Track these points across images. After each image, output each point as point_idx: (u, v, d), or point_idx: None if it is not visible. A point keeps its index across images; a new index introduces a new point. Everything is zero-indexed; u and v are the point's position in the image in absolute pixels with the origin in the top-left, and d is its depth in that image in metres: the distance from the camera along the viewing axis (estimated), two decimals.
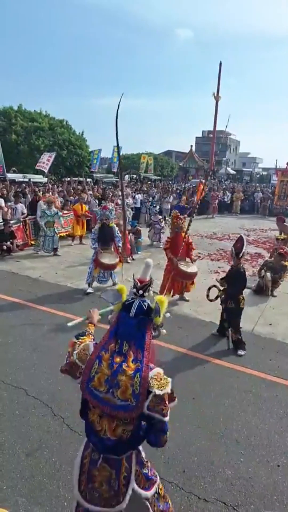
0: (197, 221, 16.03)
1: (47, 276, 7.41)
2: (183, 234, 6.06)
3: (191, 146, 41.70)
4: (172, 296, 6.17)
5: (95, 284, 6.56)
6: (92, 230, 6.69)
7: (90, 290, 6.45)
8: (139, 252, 9.66)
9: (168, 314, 1.90)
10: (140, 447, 1.85)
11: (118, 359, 1.67)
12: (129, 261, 8.52)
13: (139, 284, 1.83)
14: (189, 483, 2.65)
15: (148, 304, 1.79)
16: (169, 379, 1.73)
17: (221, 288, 4.80)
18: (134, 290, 1.82)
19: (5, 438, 2.99)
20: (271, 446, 3.05)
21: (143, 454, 1.88)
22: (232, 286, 4.66)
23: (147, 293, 1.83)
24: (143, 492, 1.79)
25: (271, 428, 3.26)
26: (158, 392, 1.63)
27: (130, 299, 1.81)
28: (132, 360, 1.68)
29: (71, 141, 25.78)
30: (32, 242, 9.86)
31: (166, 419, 1.66)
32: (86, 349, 1.82)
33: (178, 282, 6.10)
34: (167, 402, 1.67)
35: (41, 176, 17.92)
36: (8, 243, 8.89)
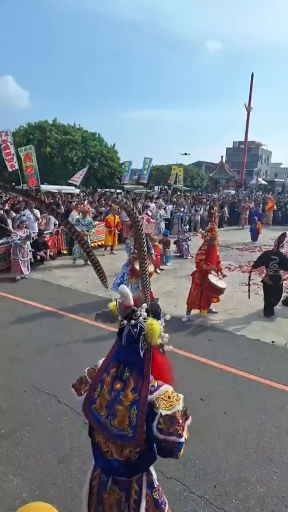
0: (227, 232, 15.90)
1: (78, 285, 7.59)
2: (217, 247, 5.97)
3: (222, 157, 41.51)
4: (206, 311, 6.00)
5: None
6: (126, 241, 6.77)
7: (117, 288, 6.49)
8: (167, 264, 9.66)
9: (166, 336, 1.72)
10: (152, 470, 1.77)
11: (118, 386, 1.60)
12: (158, 271, 8.55)
13: (122, 310, 1.64)
14: (221, 499, 2.59)
15: (139, 329, 1.61)
16: (181, 396, 1.62)
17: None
18: (124, 316, 1.64)
19: (38, 444, 3.07)
20: None
21: (155, 477, 1.80)
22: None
23: (136, 317, 1.62)
24: None
25: None
26: (164, 412, 1.52)
27: (122, 323, 1.65)
28: (131, 389, 1.58)
29: (102, 153, 26.47)
30: (64, 252, 10.18)
31: (182, 440, 1.53)
32: (96, 365, 1.77)
33: (207, 296, 5.95)
34: (180, 421, 1.54)
35: (73, 188, 18.49)
36: (42, 252, 9.23)
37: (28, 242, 8.32)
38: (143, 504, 1.65)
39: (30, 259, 8.63)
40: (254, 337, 5.29)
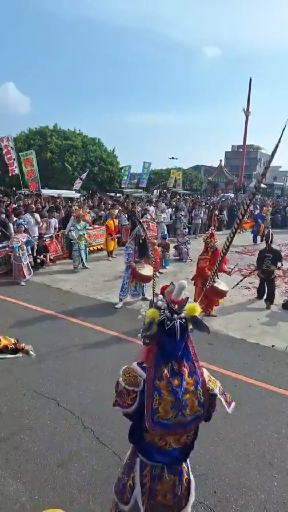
0: (225, 235, 15.86)
1: (78, 288, 7.59)
2: (220, 251, 5.96)
3: (220, 160, 41.69)
4: (208, 313, 6.05)
5: (126, 298, 6.64)
6: (126, 244, 6.77)
7: (120, 305, 6.51)
8: (167, 267, 9.66)
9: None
10: None
11: (176, 382, 1.64)
12: (157, 275, 8.54)
13: (175, 306, 1.68)
14: (221, 505, 2.58)
15: (185, 319, 1.70)
16: (213, 378, 1.83)
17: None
18: (169, 313, 1.68)
19: (37, 448, 3.06)
20: None
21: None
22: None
23: (180, 311, 1.70)
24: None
25: None
26: (216, 391, 1.75)
27: (167, 321, 1.66)
28: (188, 374, 1.68)
29: (102, 158, 26.59)
30: (65, 256, 10.20)
31: (233, 404, 1.88)
32: (131, 371, 1.73)
33: (209, 299, 5.96)
34: (225, 392, 1.85)
35: (73, 192, 18.55)
36: (42, 256, 9.24)
37: (29, 247, 8.35)
38: (193, 479, 1.88)
39: (30, 262, 8.65)
40: (254, 341, 5.28)
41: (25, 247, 8.12)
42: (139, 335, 1.70)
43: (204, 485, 2.73)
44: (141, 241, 6.55)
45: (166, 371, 1.65)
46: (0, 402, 3.66)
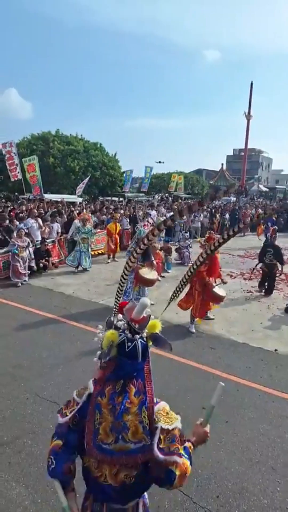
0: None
1: (80, 292, 7.61)
2: (218, 255, 5.97)
3: (222, 164, 41.80)
4: (203, 318, 6.02)
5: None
6: (128, 248, 6.78)
7: None
8: (169, 271, 9.69)
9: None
10: (145, 495, 1.64)
11: (119, 399, 1.45)
12: (159, 279, 8.56)
13: (136, 325, 1.53)
14: (223, 509, 2.57)
15: (145, 338, 1.55)
16: (178, 416, 1.53)
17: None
18: (129, 334, 1.51)
19: (40, 452, 3.07)
20: None
21: (147, 503, 1.66)
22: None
23: (142, 329, 1.55)
24: None
25: None
26: (165, 426, 1.45)
27: (128, 342, 1.49)
28: (134, 393, 1.47)
29: (104, 163, 26.72)
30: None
31: (181, 460, 1.43)
32: (85, 387, 1.57)
33: (202, 304, 5.91)
34: (180, 439, 1.48)
35: (75, 196, 18.65)
36: (44, 260, 9.28)
37: (30, 249, 8.46)
38: None
39: (32, 266, 8.71)
40: (256, 345, 5.28)
41: (26, 251, 8.30)
42: (95, 359, 1.54)
43: (207, 489, 2.73)
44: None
45: (110, 386, 1.48)
46: (3, 406, 3.67)
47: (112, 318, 1.60)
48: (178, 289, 1.90)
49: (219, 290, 5.79)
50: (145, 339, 1.53)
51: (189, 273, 1.89)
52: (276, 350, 5.13)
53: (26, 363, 4.56)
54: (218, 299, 5.79)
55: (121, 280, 1.85)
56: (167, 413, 1.51)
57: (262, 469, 2.95)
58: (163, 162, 34.62)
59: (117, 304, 1.77)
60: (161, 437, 1.44)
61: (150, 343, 1.56)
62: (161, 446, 1.43)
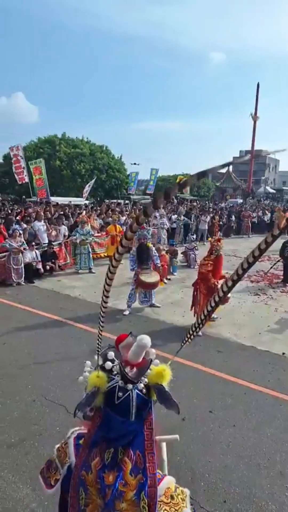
0: (233, 241, 15.84)
1: (86, 295, 7.64)
2: (223, 256, 5.96)
3: (228, 166, 41.67)
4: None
5: (135, 304, 6.65)
6: (130, 251, 6.80)
7: (128, 311, 6.53)
8: (174, 273, 9.67)
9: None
10: None
11: (110, 478, 1.12)
12: (165, 281, 8.55)
13: (132, 370, 1.18)
14: None
15: (144, 388, 1.20)
16: (186, 492, 1.24)
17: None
18: (121, 381, 1.17)
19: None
20: None
21: None
22: None
23: (142, 377, 1.20)
24: None
25: None
26: None
27: (119, 392, 1.15)
28: (131, 471, 1.12)
29: (110, 165, 26.88)
30: (73, 263, 10.33)
31: None
32: (66, 443, 1.30)
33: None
34: None
35: (81, 199, 18.76)
36: (50, 262, 9.34)
37: (37, 251, 8.55)
38: None
39: (39, 269, 8.79)
40: (264, 348, 5.23)
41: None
42: (76, 409, 1.20)
43: (214, 494, 2.70)
44: (142, 246, 6.58)
45: (98, 458, 1.15)
46: (11, 408, 3.69)
47: (96, 357, 1.28)
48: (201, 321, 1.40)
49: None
50: (143, 391, 1.18)
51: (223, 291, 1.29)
52: (284, 353, 5.08)
53: (32, 365, 4.58)
54: (225, 300, 5.78)
55: (104, 287, 1.42)
56: (171, 497, 1.16)
57: (270, 474, 2.92)
58: (138, 164, 34.28)
59: (101, 326, 1.45)
60: None
61: (154, 398, 1.20)
62: None
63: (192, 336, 1.44)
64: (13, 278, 8.26)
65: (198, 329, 1.37)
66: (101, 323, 1.49)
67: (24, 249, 8.57)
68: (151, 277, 6.50)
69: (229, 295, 5.77)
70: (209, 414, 3.62)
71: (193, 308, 5.86)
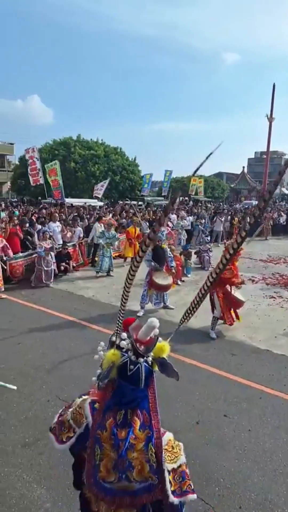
0: (250, 243, 15.61)
1: (100, 296, 7.66)
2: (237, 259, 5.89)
3: (243, 167, 41.28)
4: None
5: (148, 306, 6.64)
6: (147, 252, 6.78)
7: (142, 313, 6.52)
8: (188, 275, 9.60)
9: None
10: None
11: (123, 433, 1.35)
12: (179, 283, 8.51)
13: (142, 347, 1.40)
14: None
15: (151, 360, 1.44)
16: (181, 444, 1.47)
17: None
18: (133, 356, 1.40)
19: (61, 454, 3.07)
20: None
21: None
22: None
23: (148, 351, 1.43)
24: None
25: None
26: (171, 466, 1.37)
27: (131, 365, 1.38)
28: (140, 427, 1.37)
29: (124, 167, 26.97)
30: (86, 264, 10.38)
31: (195, 495, 1.41)
32: (81, 407, 1.48)
33: (229, 309, 5.78)
34: (188, 472, 1.41)
35: (96, 200, 18.86)
36: (65, 263, 9.42)
37: (52, 253, 8.61)
38: None
39: (54, 270, 8.85)
40: (280, 352, 5.13)
41: (50, 254, 8.46)
42: (94, 378, 1.45)
43: (229, 499, 2.66)
44: (157, 247, 6.56)
45: (111, 419, 1.37)
46: (25, 407, 3.73)
47: (114, 338, 1.50)
48: (197, 301, 1.81)
49: (238, 294, 5.75)
50: (150, 363, 1.42)
51: (210, 281, 1.79)
52: None
53: (47, 365, 4.62)
54: (239, 304, 5.77)
55: (125, 287, 1.66)
56: (172, 447, 1.41)
57: (287, 480, 2.85)
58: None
59: (120, 319, 1.63)
60: (171, 478, 1.36)
61: (156, 368, 1.44)
62: (172, 488, 1.35)
63: (191, 314, 1.88)
64: (43, 279, 8.31)
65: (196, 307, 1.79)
66: (125, 292, 1.70)
67: (56, 247, 8.74)
68: (164, 279, 6.48)
69: (243, 298, 5.74)
70: (224, 418, 3.57)
71: (214, 310, 5.73)
